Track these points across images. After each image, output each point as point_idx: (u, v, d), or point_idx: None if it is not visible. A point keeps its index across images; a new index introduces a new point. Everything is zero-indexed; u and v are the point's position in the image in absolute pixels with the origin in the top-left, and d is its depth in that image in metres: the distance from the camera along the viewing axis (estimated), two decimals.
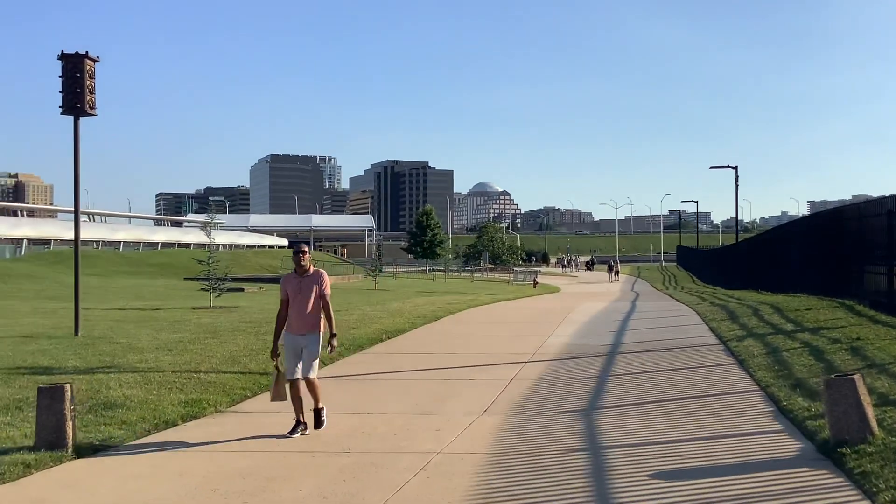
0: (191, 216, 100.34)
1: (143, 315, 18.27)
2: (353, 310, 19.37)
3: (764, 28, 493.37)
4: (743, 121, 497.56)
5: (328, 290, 7.54)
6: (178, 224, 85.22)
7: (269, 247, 69.02)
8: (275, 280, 39.11)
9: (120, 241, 50.40)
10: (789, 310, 15.95)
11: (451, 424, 7.36)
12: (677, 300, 25.37)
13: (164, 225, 73.03)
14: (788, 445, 6.13)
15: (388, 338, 14.37)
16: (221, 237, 61.74)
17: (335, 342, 7.61)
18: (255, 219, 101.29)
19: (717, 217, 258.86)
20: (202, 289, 20.90)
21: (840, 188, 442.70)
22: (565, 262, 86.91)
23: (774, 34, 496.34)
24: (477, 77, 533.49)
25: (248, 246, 64.07)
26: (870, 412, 5.63)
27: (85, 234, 44.12)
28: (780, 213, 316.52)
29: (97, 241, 48.40)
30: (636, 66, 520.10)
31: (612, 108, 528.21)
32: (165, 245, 54.72)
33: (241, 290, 29.47)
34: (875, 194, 19.68)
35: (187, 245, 56.54)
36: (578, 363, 11.11)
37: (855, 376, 5.64)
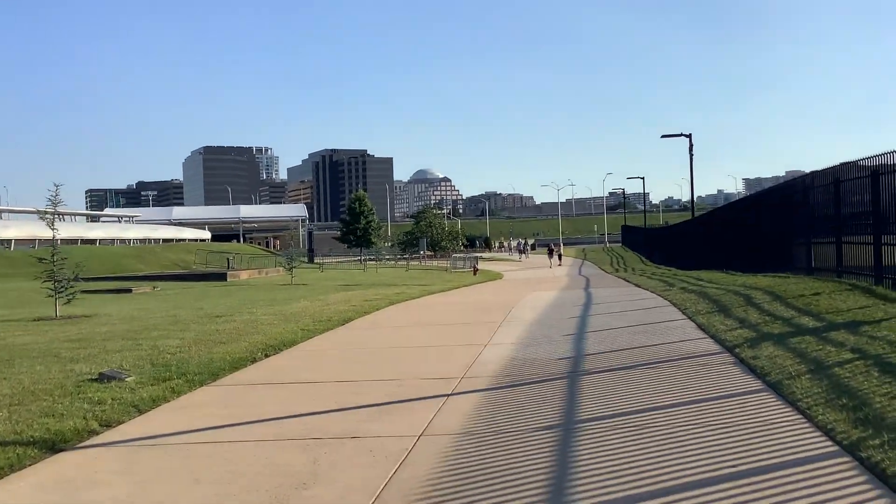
0: (109, 210, 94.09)
1: None
2: (242, 313, 15.31)
3: (694, 9, 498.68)
4: (677, 102, 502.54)
5: None
6: (96, 219, 79.14)
7: (191, 240, 63.91)
8: (181, 277, 34.67)
9: (11, 239, 45.00)
10: (791, 296, 12.46)
11: None
12: (637, 285, 21.89)
13: (73, 220, 67.06)
14: None
15: (266, 356, 10.42)
16: (132, 231, 56.62)
17: None
18: (179, 211, 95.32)
19: (656, 197, 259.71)
20: (49, 294, 16.57)
21: (772, 165, 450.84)
22: (522, 248, 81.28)
23: (707, 13, 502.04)
24: (413, 63, 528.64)
25: (164, 240, 58.97)
26: None
27: None
28: (716, 192, 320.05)
29: None
30: (570, 50, 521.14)
31: (549, 92, 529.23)
32: (67, 242, 49.21)
33: (129, 290, 25.11)
34: (807, 169, 16.65)
35: (93, 241, 51.40)
36: (526, 395, 7.32)
37: None
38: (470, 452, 5.50)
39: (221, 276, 32.84)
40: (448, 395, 7.45)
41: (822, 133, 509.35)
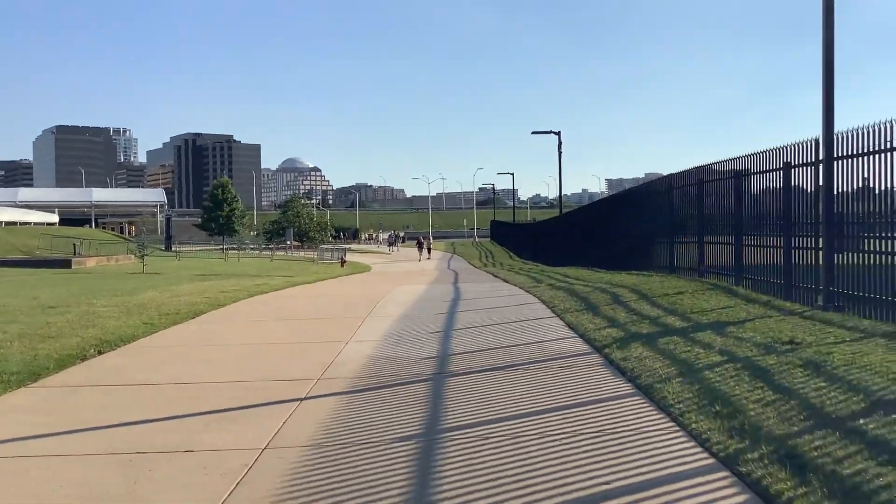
0: None
1: None
2: (80, 304, 13.97)
3: (567, 16, 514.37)
4: (545, 103, 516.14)
5: None
6: None
7: (37, 224, 59.60)
8: (21, 263, 32.05)
9: None
10: (656, 294, 12.48)
11: None
12: (505, 280, 21.76)
13: None
14: None
15: (100, 353, 9.37)
16: None
17: None
18: (26, 193, 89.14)
19: (524, 194, 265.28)
20: None
21: (632, 168, 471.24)
22: (393, 240, 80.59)
23: (576, 22, 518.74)
24: (284, 50, 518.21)
25: (6, 223, 54.62)
26: None
27: None
28: (581, 191, 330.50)
29: None
30: (447, 48, 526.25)
31: (422, 87, 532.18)
32: None
33: None
34: (664, 172, 17.30)
35: None
36: (387, 399, 6.73)
37: None
38: (320, 469, 4.86)
39: (66, 263, 30.48)
40: (301, 400, 6.77)
41: (678, 139, 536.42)
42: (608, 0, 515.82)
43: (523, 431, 5.47)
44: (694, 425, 5.30)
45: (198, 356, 9.29)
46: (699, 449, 4.89)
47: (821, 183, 10.11)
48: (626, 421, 5.64)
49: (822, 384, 5.91)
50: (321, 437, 5.55)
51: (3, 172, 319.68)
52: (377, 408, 6.41)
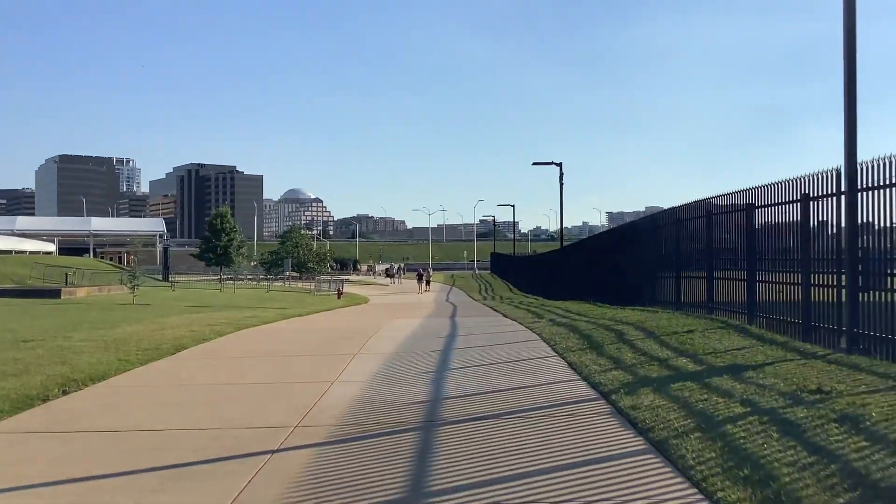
0: None
1: None
2: (56, 338, 13.22)
3: (568, 49, 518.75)
4: (548, 135, 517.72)
5: None
6: None
7: (32, 252, 58.94)
8: (8, 293, 31.32)
9: None
10: (664, 333, 11.75)
11: None
12: (504, 314, 21.00)
13: None
14: None
15: (64, 393, 8.64)
16: None
17: None
18: (24, 221, 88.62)
19: (525, 226, 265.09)
20: None
21: (633, 201, 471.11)
22: (394, 271, 79.67)
23: (577, 55, 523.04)
24: (287, 82, 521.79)
25: (0, 252, 53.96)
26: None
27: None
28: (581, 224, 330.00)
29: None
30: (448, 80, 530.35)
31: (424, 120, 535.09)
32: None
33: None
34: (664, 206, 16.71)
35: None
36: (370, 453, 5.99)
37: None
38: None
39: (55, 293, 29.81)
40: (273, 452, 6.04)
41: (680, 173, 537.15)
42: (610, 32, 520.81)
43: (521, 497, 4.73)
44: (720, 494, 4.57)
45: (169, 398, 8.55)
46: None
47: (843, 216, 9.44)
48: (641, 486, 4.89)
49: (864, 443, 5.18)
50: (288, 501, 4.82)
51: (4, 201, 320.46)
52: (357, 463, 5.67)
